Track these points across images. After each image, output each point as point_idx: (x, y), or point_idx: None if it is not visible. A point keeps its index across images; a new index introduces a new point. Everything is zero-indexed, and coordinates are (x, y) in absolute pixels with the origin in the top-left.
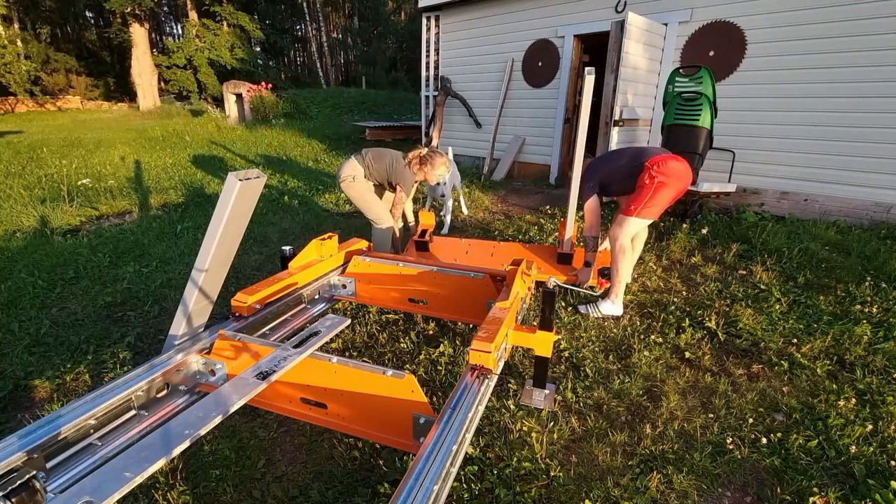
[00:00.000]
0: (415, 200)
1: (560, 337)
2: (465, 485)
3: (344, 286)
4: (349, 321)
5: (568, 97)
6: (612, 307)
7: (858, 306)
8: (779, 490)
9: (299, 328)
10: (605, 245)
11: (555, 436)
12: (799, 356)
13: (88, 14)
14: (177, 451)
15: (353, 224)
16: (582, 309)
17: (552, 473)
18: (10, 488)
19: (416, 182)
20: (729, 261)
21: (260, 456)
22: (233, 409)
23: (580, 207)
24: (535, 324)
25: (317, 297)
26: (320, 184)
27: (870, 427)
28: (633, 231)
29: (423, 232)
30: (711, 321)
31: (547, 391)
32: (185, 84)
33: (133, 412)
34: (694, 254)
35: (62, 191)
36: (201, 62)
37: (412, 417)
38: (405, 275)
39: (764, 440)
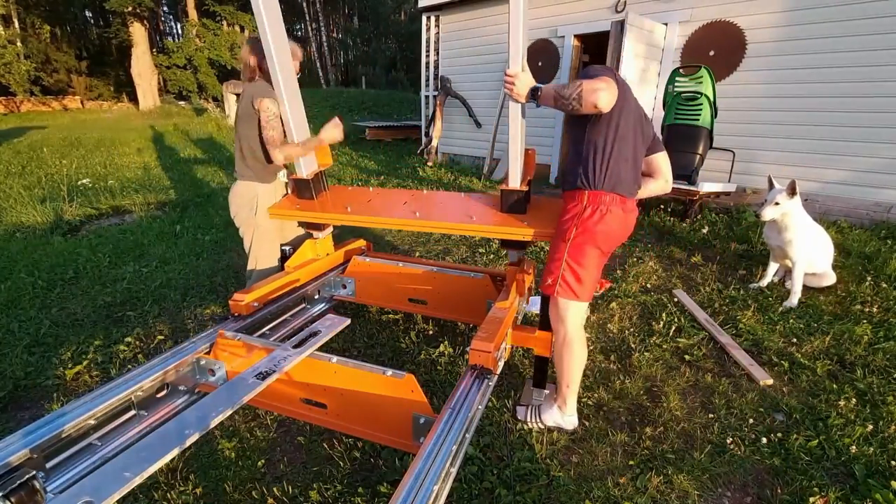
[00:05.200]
0: None
1: None
2: (465, 485)
3: (344, 286)
4: (349, 321)
5: None
6: (559, 417)
7: (858, 306)
8: (779, 490)
9: (299, 328)
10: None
11: (555, 436)
12: (799, 356)
13: (88, 14)
14: (176, 452)
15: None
16: (520, 413)
17: (552, 473)
18: (9, 488)
19: None
20: (729, 261)
21: (260, 456)
22: (233, 410)
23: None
24: (535, 323)
25: (316, 297)
26: None
27: (870, 427)
28: (571, 317)
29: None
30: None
31: (547, 391)
32: (184, 84)
33: (133, 412)
34: (694, 254)
35: (62, 191)
36: (201, 62)
37: (412, 417)
38: (405, 275)
39: (764, 440)
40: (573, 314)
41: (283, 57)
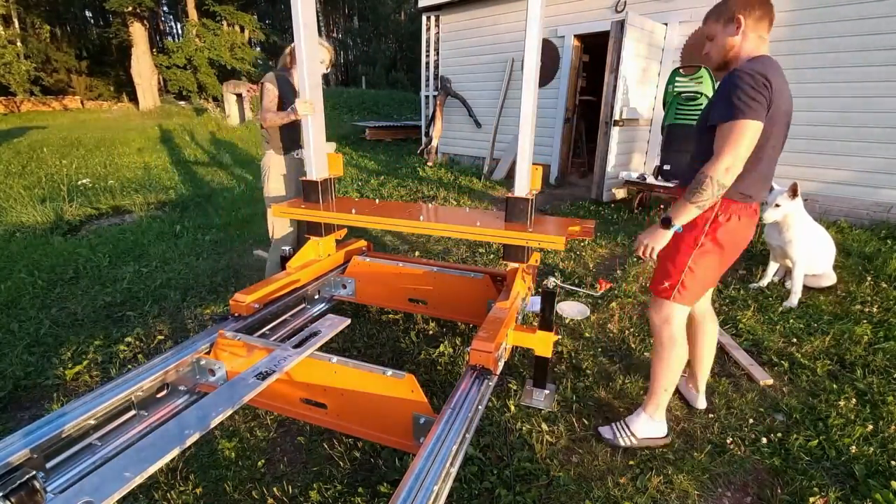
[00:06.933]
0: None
1: (560, 337)
2: (465, 485)
3: (344, 286)
4: (349, 321)
5: (568, 97)
6: (652, 426)
7: (858, 306)
8: (779, 490)
9: (299, 328)
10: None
11: (555, 436)
12: (799, 356)
13: (88, 14)
14: (176, 452)
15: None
16: (606, 433)
17: (552, 473)
18: (9, 488)
19: None
20: None
21: (260, 456)
22: (233, 410)
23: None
24: (535, 324)
25: (317, 297)
26: None
27: (870, 427)
28: (677, 318)
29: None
30: None
31: (547, 391)
32: (184, 84)
33: (133, 412)
34: None
35: (62, 191)
36: (201, 62)
37: (412, 417)
38: (405, 275)
39: (764, 440)
40: (678, 315)
41: (311, 51)
